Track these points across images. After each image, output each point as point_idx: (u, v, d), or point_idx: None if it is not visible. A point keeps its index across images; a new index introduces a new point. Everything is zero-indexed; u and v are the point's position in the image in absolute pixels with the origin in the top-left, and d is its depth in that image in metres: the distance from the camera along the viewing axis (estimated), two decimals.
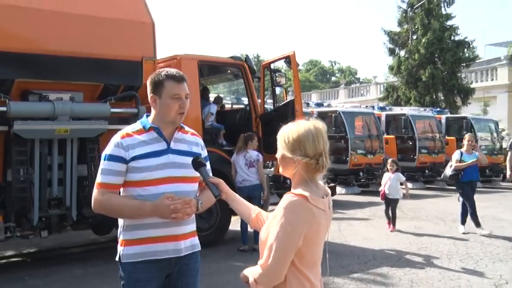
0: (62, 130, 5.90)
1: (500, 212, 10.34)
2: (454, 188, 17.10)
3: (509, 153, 9.45)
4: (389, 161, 9.30)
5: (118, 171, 2.48)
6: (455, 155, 8.72)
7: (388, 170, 9.08)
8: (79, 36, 6.02)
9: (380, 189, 9.02)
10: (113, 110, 6.23)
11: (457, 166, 8.56)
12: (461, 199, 8.77)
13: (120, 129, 2.62)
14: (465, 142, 8.81)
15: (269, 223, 2.04)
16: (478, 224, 8.51)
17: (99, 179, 2.51)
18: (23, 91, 5.91)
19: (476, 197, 8.74)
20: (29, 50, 5.72)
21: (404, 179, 9.20)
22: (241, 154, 7.38)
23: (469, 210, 8.57)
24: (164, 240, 2.49)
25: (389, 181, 8.81)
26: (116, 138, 2.53)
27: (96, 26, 6.14)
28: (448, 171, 8.78)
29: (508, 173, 9.35)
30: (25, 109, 5.75)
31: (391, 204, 8.86)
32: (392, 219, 8.86)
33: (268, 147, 7.79)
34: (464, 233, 8.47)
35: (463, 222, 8.72)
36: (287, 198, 1.99)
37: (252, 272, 2.05)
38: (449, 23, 26.66)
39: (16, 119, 5.60)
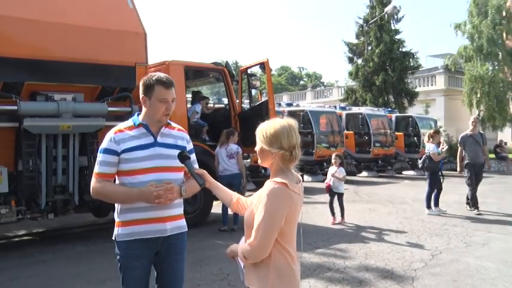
0: (66, 126, 5.82)
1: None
2: (402, 176, 17.48)
3: (459, 149, 9.21)
4: (333, 155, 8.14)
5: (111, 162, 2.46)
6: (435, 149, 8.54)
7: (332, 164, 8.01)
8: (81, 45, 5.92)
9: (325, 182, 7.99)
10: (109, 108, 6.16)
11: (438, 158, 8.57)
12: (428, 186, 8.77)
13: (115, 125, 2.59)
14: (435, 135, 8.74)
15: (254, 207, 2.03)
16: (429, 206, 8.68)
17: (96, 169, 2.49)
18: (31, 92, 5.81)
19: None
20: (37, 56, 5.61)
21: (345, 174, 8.01)
22: (223, 147, 7.35)
23: (429, 193, 8.67)
24: (152, 222, 2.48)
25: (334, 176, 7.83)
26: (109, 134, 2.51)
27: (96, 36, 6.04)
28: (431, 163, 8.57)
29: (458, 169, 9.30)
30: (33, 108, 5.65)
31: (338, 197, 7.90)
32: (341, 212, 7.86)
33: (245, 140, 7.78)
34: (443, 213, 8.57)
35: (436, 204, 8.77)
36: (269, 185, 1.98)
37: (241, 249, 2.05)
38: (397, 36, 26.81)
39: (26, 117, 5.53)
